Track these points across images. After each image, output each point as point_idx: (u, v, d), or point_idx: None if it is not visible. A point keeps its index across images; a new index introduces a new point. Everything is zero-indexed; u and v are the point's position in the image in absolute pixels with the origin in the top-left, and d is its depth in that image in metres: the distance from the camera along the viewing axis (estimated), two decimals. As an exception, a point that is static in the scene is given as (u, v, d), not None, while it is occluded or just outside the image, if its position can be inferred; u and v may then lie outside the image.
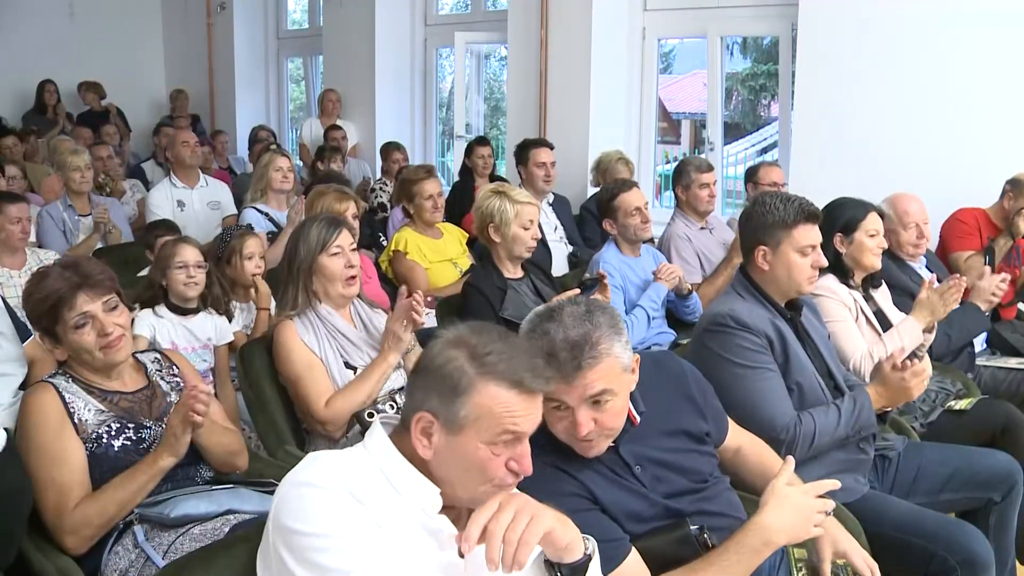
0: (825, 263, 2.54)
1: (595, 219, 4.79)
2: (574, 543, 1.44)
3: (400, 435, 1.48)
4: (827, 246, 2.62)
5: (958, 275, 3.15)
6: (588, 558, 1.45)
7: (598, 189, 5.19)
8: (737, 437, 2.19)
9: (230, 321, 3.38)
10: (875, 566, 1.95)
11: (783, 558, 2.03)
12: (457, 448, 1.41)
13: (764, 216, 2.48)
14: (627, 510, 1.80)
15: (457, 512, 1.50)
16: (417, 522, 1.43)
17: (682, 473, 1.91)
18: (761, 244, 2.47)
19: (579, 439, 1.73)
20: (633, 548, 1.75)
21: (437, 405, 1.42)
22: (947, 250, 4.42)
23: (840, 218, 3.05)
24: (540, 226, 4.67)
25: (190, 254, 3.20)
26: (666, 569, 1.75)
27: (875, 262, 3.10)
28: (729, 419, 2.16)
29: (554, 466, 1.78)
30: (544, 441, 1.78)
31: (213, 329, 3.28)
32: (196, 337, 3.22)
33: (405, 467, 1.45)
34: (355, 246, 2.85)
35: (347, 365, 2.70)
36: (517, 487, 1.48)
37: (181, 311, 3.22)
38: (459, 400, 1.40)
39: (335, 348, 2.71)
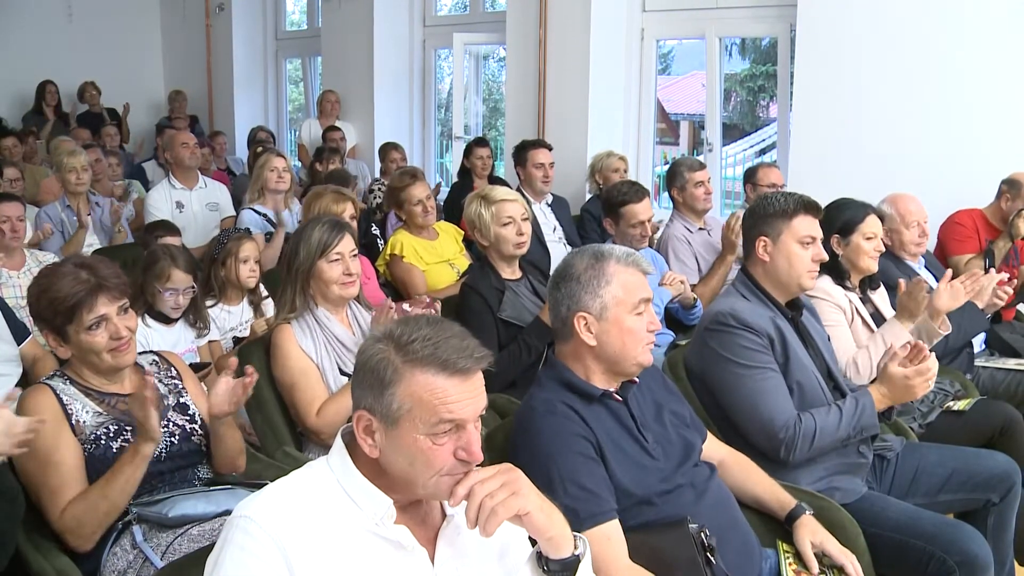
0: (825, 257, 2.56)
1: (595, 220, 4.79)
2: (561, 539, 1.43)
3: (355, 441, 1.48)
4: (824, 247, 2.62)
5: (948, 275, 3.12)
6: (576, 559, 1.44)
7: (598, 192, 5.20)
8: (719, 451, 2.23)
9: (207, 328, 3.41)
10: (853, 557, 2.05)
11: (777, 556, 2.08)
12: (398, 442, 1.39)
13: (766, 208, 2.54)
14: (629, 468, 1.88)
15: (426, 509, 1.51)
16: (377, 534, 1.42)
17: (674, 441, 2.02)
18: (762, 235, 2.51)
19: (650, 337, 1.97)
20: (617, 521, 1.80)
21: (371, 401, 1.40)
22: (946, 253, 4.42)
23: (838, 219, 3.04)
24: (539, 227, 4.71)
25: (181, 280, 3.24)
26: (663, 565, 1.78)
27: (871, 265, 3.09)
28: (709, 432, 2.23)
29: (568, 405, 1.88)
30: (560, 384, 1.94)
31: (194, 333, 3.34)
32: (181, 342, 3.25)
33: (359, 479, 1.44)
34: (355, 252, 2.82)
35: (342, 372, 2.69)
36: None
37: (164, 319, 3.27)
38: (388, 392, 1.38)
39: (332, 354, 2.70)
